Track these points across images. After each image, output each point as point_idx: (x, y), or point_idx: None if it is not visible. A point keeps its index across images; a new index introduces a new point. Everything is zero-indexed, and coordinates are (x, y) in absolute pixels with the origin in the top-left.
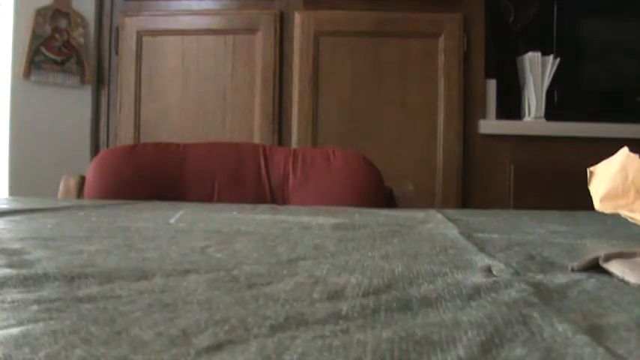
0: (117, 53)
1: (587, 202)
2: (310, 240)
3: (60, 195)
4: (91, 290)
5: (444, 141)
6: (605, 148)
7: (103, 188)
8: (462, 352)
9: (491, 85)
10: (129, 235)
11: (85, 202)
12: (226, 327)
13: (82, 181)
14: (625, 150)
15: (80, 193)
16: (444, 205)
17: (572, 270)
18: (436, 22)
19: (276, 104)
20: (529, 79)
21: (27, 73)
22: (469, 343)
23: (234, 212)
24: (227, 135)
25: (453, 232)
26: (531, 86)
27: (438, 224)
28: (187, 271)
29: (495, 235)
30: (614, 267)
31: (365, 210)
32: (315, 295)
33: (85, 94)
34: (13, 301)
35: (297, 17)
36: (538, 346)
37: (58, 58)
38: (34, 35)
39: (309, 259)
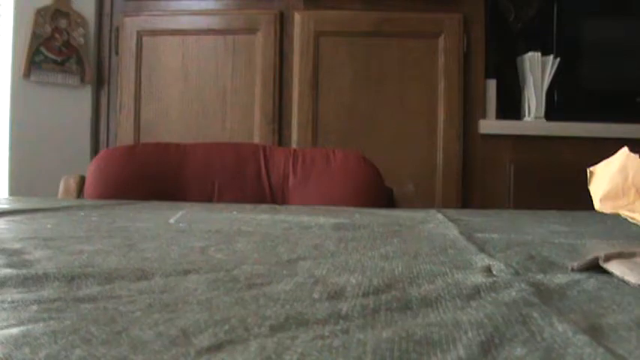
0: (117, 53)
1: (587, 202)
2: (310, 240)
3: (60, 195)
4: (91, 290)
5: (444, 141)
6: (605, 148)
7: (103, 188)
8: (462, 352)
9: (492, 85)
10: (129, 235)
11: (85, 202)
12: (226, 327)
13: (82, 181)
14: (625, 150)
15: (80, 193)
16: (444, 205)
17: (572, 270)
18: (436, 22)
19: (276, 104)
20: (529, 79)
21: (27, 73)
22: (469, 343)
23: (234, 212)
24: (227, 135)
25: (453, 232)
26: (531, 86)
27: (438, 224)
28: (187, 271)
29: (495, 235)
30: (614, 267)
31: (365, 210)
32: (315, 295)
33: (85, 94)
34: (13, 301)
35: (297, 17)
36: (538, 346)
37: (58, 58)
38: (34, 35)
39: (309, 259)
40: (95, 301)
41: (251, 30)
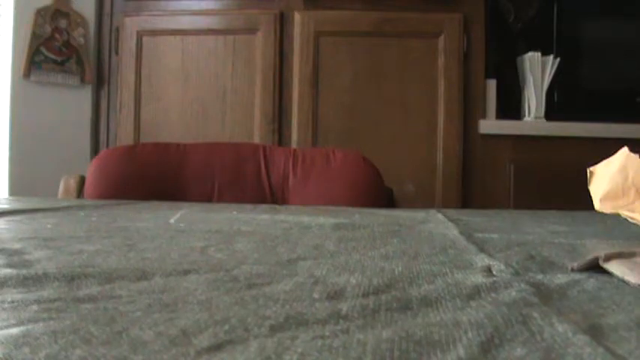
0: (117, 53)
1: (587, 202)
2: (310, 240)
3: (60, 195)
4: (91, 290)
5: (444, 141)
6: (605, 148)
7: (103, 188)
8: (462, 352)
9: (492, 85)
10: (129, 235)
11: (85, 202)
12: (226, 327)
13: (82, 181)
14: (625, 150)
15: (80, 193)
16: (444, 205)
17: (572, 270)
18: (436, 22)
19: (276, 104)
20: (529, 79)
21: (27, 73)
22: (469, 343)
23: (234, 212)
24: (227, 135)
25: (453, 232)
26: (531, 86)
27: (438, 224)
28: (187, 271)
29: (495, 235)
30: (614, 267)
31: (365, 210)
32: (315, 295)
33: (85, 94)
34: (13, 301)
35: (297, 17)
36: (538, 346)
37: (58, 58)
38: (34, 35)
39: (309, 259)
40: (95, 301)
41: (251, 30)
